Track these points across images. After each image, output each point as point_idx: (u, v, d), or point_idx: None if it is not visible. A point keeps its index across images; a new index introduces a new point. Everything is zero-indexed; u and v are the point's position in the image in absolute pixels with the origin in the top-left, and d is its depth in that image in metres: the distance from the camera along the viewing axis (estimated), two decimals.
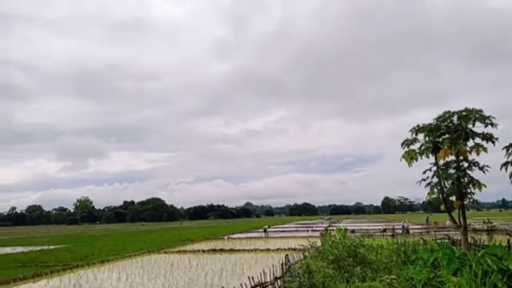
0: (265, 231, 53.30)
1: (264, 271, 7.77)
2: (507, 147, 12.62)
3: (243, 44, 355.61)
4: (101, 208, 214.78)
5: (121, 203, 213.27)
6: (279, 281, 8.06)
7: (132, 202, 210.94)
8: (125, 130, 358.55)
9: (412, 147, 12.77)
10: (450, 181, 12.26)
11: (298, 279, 6.91)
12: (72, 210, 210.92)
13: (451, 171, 12.31)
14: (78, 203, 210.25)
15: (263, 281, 7.42)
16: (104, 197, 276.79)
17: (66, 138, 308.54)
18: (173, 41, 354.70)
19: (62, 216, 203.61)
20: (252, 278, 7.32)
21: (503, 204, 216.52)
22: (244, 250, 32.81)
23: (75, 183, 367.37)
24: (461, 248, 11.97)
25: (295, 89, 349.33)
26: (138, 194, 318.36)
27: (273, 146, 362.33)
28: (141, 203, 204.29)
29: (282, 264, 9.07)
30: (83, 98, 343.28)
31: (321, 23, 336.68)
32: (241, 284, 6.99)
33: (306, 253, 11.74)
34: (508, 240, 13.31)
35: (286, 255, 10.36)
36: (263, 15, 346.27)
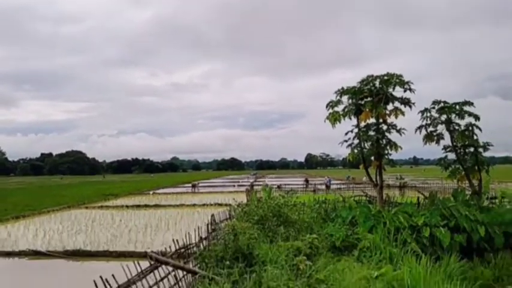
0: (193, 186, 53.23)
1: (188, 233, 7.71)
2: (422, 112, 13.46)
3: None
4: (15, 160, 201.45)
5: (38, 155, 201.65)
6: (204, 242, 8.06)
7: (50, 154, 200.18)
8: (40, 77, 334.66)
9: (336, 108, 13.12)
10: (370, 143, 12.87)
11: (223, 240, 6.95)
12: None
13: (371, 133, 12.91)
14: None
15: (188, 243, 7.37)
16: (18, 148, 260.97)
17: None
18: None
19: None
20: (177, 240, 7.24)
21: (414, 161, 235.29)
22: (169, 205, 32.64)
23: None
24: (377, 205, 12.76)
25: (219, 41, 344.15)
26: (57, 146, 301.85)
27: (200, 100, 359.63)
28: (60, 155, 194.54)
29: (207, 224, 9.09)
30: None
31: None
32: (165, 248, 6.89)
33: (232, 212, 11.87)
34: (418, 198, 14.36)
35: (212, 215, 10.39)
36: None
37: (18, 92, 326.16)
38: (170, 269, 6.13)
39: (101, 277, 4.93)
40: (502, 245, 10.73)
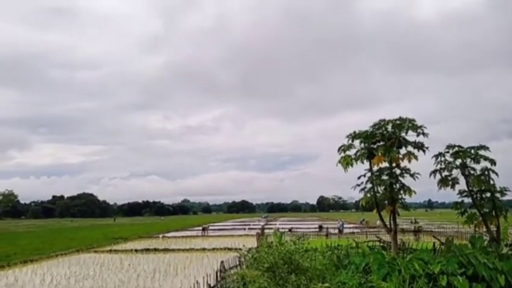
0: (204, 230, 52.58)
1: (197, 282, 7.48)
2: (436, 156, 13.30)
3: (175, 37, 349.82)
4: (27, 202, 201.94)
5: (49, 198, 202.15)
6: None
7: (62, 197, 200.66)
8: (55, 121, 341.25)
9: (348, 152, 13.04)
10: (383, 187, 12.66)
11: None
12: None
13: (384, 177, 12.71)
14: (1, 197, 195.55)
15: None
16: (31, 191, 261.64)
17: None
18: (106, 31, 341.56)
19: None
20: None
21: (429, 205, 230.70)
22: (179, 249, 32.17)
23: None
24: (391, 252, 12.37)
25: (231, 86, 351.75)
26: (68, 189, 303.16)
27: (211, 143, 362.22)
28: (71, 198, 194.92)
29: (216, 271, 8.83)
30: (5, 86, 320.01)
31: (255, 21, 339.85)
32: None
33: (242, 259, 11.58)
34: (434, 244, 13.93)
35: (222, 262, 10.13)
36: (198, 10, 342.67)
37: (33, 136, 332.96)
38: None
39: None
40: None
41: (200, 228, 56.68)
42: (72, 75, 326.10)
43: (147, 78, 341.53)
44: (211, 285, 7.82)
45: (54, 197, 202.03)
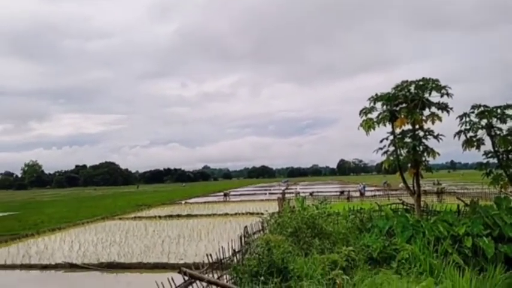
0: (225, 195, 53.38)
1: (222, 247, 7.57)
2: (461, 117, 12.94)
3: (186, 4, 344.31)
4: (51, 172, 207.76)
5: (72, 167, 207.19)
6: (238, 255, 7.91)
7: (84, 166, 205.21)
8: (73, 91, 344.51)
9: (370, 115, 12.82)
10: (406, 150, 12.46)
11: (257, 255, 6.77)
12: (19, 175, 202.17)
13: (407, 140, 12.51)
14: (26, 167, 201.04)
15: (221, 257, 7.23)
16: (54, 161, 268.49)
17: (6, 99, 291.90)
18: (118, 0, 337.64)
19: (8, 181, 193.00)
20: (210, 255, 7.11)
21: (452, 166, 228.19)
22: (201, 215, 32.75)
23: (20, 147, 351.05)
24: (415, 214, 12.30)
25: (245, 52, 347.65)
26: (90, 158, 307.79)
27: (229, 110, 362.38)
28: (94, 167, 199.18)
29: (240, 236, 8.94)
30: (22, 58, 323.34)
31: None
32: (197, 261, 6.77)
33: (265, 224, 11.68)
34: (458, 205, 13.78)
35: (245, 227, 10.22)
36: None
37: (52, 106, 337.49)
38: (204, 284, 6.00)
39: None
40: None
41: (221, 194, 57.55)
42: (86, 45, 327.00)
43: (160, 46, 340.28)
44: (236, 250, 7.91)
45: (77, 166, 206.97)
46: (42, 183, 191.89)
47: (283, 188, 73.64)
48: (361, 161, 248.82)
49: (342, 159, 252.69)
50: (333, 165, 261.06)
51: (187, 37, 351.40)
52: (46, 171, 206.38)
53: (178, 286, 5.59)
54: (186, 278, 5.76)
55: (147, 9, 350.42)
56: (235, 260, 7.54)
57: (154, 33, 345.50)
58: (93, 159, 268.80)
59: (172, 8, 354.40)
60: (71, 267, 15.41)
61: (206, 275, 6.77)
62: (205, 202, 48.53)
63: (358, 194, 41.30)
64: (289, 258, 6.74)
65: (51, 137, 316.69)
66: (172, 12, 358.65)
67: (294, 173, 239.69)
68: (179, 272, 5.76)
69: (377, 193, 41.47)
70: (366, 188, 47.37)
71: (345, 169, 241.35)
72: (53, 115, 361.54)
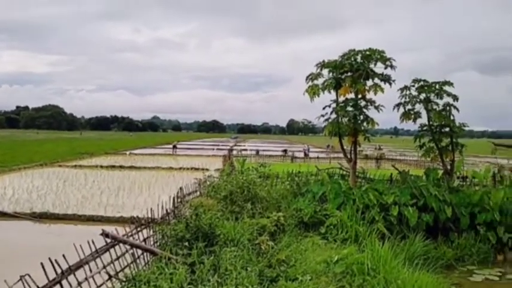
0: (174, 147, 52.41)
1: (151, 209, 7.49)
2: (401, 89, 13.35)
3: None
4: None
5: (13, 108, 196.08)
6: (168, 217, 7.88)
7: (26, 107, 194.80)
8: (16, 27, 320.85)
9: (316, 81, 12.89)
10: (347, 118, 12.71)
11: (184, 220, 6.77)
12: None
13: (349, 108, 12.75)
14: None
15: (151, 218, 7.17)
16: None
17: None
18: None
19: None
20: (137, 216, 7.03)
21: (395, 132, 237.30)
22: (145, 167, 32.30)
23: None
24: (349, 182, 12.75)
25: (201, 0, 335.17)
26: (33, 99, 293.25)
27: (182, 60, 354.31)
28: (37, 109, 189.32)
29: (173, 198, 8.88)
30: None
31: None
32: (124, 227, 6.67)
33: (201, 186, 11.68)
34: (391, 174, 14.43)
35: (180, 188, 10.18)
36: None
37: None
38: (128, 247, 5.95)
39: (49, 259, 4.68)
40: (467, 225, 10.93)
41: (170, 146, 56.67)
42: None
43: None
44: (168, 211, 7.87)
45: (18, 107, 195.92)
46: None
47: (231, 144, 73.93)
48: (310, 122, 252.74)
49: (291, 118, 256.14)
50: (283, 124, 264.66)
51: None
52: None
53: (100, 249, 5.50)
54: (109, 240, 5.66)
55: None
56: (165, 221, 7.52)
57: None
58: (36, 100, 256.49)
59: None
60: (1, 215, 14.81)
61: (135, 236, 6.72)
62: (151, 154, 47.90)
63: (302, 154, 42.26)
64: (218, 223, 6.80)
65: None
66: None
67: (245, 130, 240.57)
68: (101, 234, 5.65)
69: (320, 155, 42.58)
70: (311, 150, 48.55)
71: (294, 129, 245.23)
72: None
